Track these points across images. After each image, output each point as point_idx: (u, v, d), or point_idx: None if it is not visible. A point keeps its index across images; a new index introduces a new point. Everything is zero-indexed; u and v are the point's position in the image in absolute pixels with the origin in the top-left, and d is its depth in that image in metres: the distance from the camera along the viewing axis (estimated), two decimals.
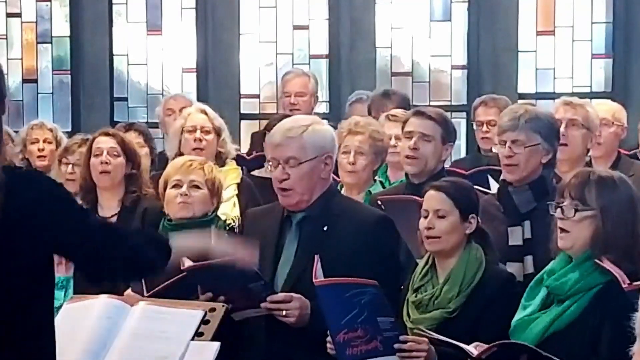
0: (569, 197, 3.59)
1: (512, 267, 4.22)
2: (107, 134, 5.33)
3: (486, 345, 3.50)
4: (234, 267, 3.83)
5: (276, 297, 3.85)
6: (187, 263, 4.07)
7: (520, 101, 7.39)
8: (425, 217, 3.93)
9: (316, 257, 3.74)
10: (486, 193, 4.67)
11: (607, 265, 3.49)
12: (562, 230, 3.60)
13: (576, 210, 3.56)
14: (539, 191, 4.31)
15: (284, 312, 3.84)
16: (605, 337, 3.43)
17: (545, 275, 3.67)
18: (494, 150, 5.99)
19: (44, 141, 6.69)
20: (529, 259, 4.25)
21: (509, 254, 4.28)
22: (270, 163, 4.09)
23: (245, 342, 4.06)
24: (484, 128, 6.69)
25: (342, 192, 5.06)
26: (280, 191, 4.02)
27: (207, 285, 3.97)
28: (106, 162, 5.20)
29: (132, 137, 6.10)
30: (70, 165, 5.68)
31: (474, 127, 6.84)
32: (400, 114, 5.59)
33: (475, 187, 4.23)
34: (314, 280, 3.66)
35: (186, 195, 4.49)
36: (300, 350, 3.89)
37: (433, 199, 3.94)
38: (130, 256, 3.07)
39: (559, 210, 3.60)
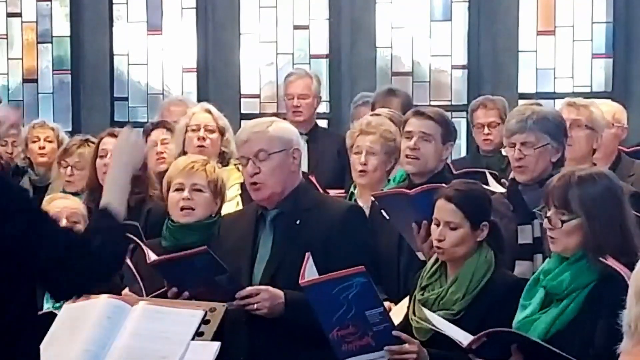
0: (554, 205, 3.60)
1: (522, 266, 4.24)
2: (113, 135, 5.35)
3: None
4: (199, 259, 3.88)
5: (243, 292, 3.91)
6: (153, 257, 4.11)
7: (524, 101, 7.38)
8: (437, 225, 3.93)
9: (307, 254, 3.78)
10: None
11: (612, 263, 3.49)
12: (552, 237, 3.62)
13: (563, 222, 3.58)
14: None
15: (255, 305, 3.88)
16: (601, 329, 3.44)
17: (541, 275, 3.68)
18: (503, 152, 5.99)
19: (45, 139, 6.70)
20: (539, 258, 4.25)
21: (519, 253, 4.29)
22: (240, 161, 4.15)
23: (227, 338, 4.07)
24: (485, 130, 6.69)
25: (355, 193, 5.07)
26: (252, 186, 4.09)
27: (172, 279, 4.01)
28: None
29: (160, 134, 6.10)
30: (69, 168, 5.68)
31: (473, 129, 6.84)
32: (385, 111, 5.62)
33: None
34: (300, 281, 3.71)
35: (189, 199, 4.48)
36: (282, 344, 3.93)
37: (444, 210, 3.93)
38: (93, 264, 3.02)
39: (546, 220, 3.62)
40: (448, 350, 3.68)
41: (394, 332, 3.69)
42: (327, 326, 3.67)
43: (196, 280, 3.93)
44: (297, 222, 4.05)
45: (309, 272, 3.76)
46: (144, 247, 4.29)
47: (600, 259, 3.53)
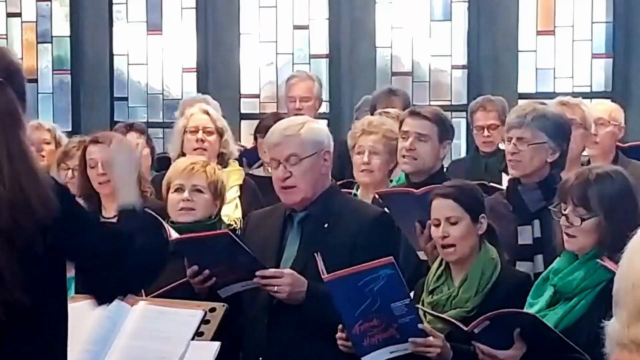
0: (572, 202, 3.59)
1: (522, 266, 4.23)
2: (97, 142, 5.25)
3: None
4: (220, 240, 3.89)
5: (267, 272, 3.88)
6: (174, 235, 4.10)
7: (524, 101, 7.39)
8: (437, 226, 3.92)
9: (317, 255, 3.75)
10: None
11: (609, 264, 3.50)
12: (569, 234, 3.62)
13: (582, 220, 3.57)
14: (548, 190, 4.28)
15: (275, 288, 3.87)
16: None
17: (551, 274, 3.68)
18: (500, 147, 5.99)
19: (43, 142, 6.68)
20: (539, 258, 4.25)
21: (519, 253, 4.29)
22: (270, 164, 4.11)
23: (247, 341, 4.07)
24: (485, 132, 6.67)
25: (359, 192, 5.07)
26: (283, 190, 4.04)
27: (192, 257, 4.01)
28: (103, 174, 5.19)
29: (133, 138, 6.09)
30: (70, 170, 5.66)
31: (473, 131, 6.83)
32: (393, 111, 5.61)
33: None
34: (322, 277, 3.67)
35: (188, 200, 4.44)
36: (301, 345, 3.91)
37: (442, 207, 3.93)
38: (140, 263, 2.99)
39: (563, 218, 3.61)
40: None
41: (420, 325, 3.65)
42: (349, 321, 3.63)
43: (217, 259, 3.93)
44: (325, 225, 4.00)
45: (323, 271, 3.75)
46: (165, 225, 4.30)
47: (598, 260, 3.54)
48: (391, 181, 5.14)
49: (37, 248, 2.82)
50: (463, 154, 8.78)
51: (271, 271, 3.88)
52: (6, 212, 2.79)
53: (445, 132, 4.80)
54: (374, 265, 3.62)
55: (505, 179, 4.97)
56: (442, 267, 3.98)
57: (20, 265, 2.80)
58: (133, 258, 2.97)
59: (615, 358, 1.99)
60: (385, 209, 4.33)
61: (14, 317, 2.83)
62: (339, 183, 5.38)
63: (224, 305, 3.88)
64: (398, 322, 3.63)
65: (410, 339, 3.64)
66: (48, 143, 6.68)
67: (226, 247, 3.91)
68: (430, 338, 3.65)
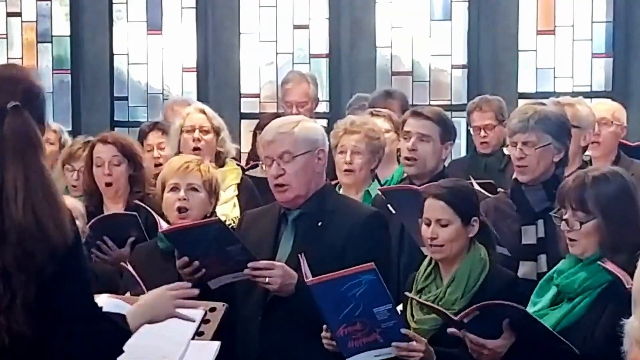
0: (570, 207, 3.61)
1: (525, 266, 4.25)
2: (105, 142, 5.30)
3: None
4: (211, 229, 3.90)
5: (258, 264, 3.89)
6: (164, 226, 4.11)
7: (524, 101, 7.40)
8: (428, 225, 3.93)
9: (301, 257, 3.76)
10: None
11: (610, 266, 3.51)
12: (571, 239, 3.62)
13: (581, 224, 3.58)
14: (552, 190, 4.28)
15: (267, 279, 3.87)
16: (603, 328, 3.46)
17: (555, 274, 3.69)
18: (505, 151, 5.99)
19: (46, 142, 6.66)
20: (542, 258, 4.27)
21: (523, 253, 4.30)
22: (264, 162, 4.12)
23: (240, 339, 4.07)
24: (482, 133, 6.67)
25: (340, 192, 5.06)
26: (277, 187, 4.06)
27: (183, 249, 4.02)
28: (109, 174, 5.20)
29: (155, 137, 6.09)
30: (75, 172, 5.66)
31: (471, 131, 6.83)
32: (384, 111, 5.63)
33: None
34: (305, 280, 3.68)
35: (185, 199, 4.45)
36: (294, 345, 3.92)
37: (433, 208, 3.93)
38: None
39: (564, 223, 3.62)
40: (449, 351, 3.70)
41: (403, 330, 3.67)
42: (333, 325, 3.66)
43: (207, 249, 3.94)
44: (319, 223, 4.03)
45: (306, 274, 3.76)
46: (156, 216, 4.34)
47: (599, 262, 3.54)
48: (373, 181, 5.15)
49: (46, 273, 2.77)
50: (463, 154, 8.77)
51: (263, 263, 3.90)
52: (15, 238, 2.74)
53: (448, 133, 4.80)
54: (355, 270, 3.64)
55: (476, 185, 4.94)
56: (431, 266, 3.98)
57: (33, 293, 2.76)
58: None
59: (634, 356, 1.98)
60: (380, 209, 4.34)
61: (18, 345, 2.80)
62: (333, 182, 5.41)
63: (224, 305, 3.88)
64: (381, 326, 3.65)
65: (393, 343, 3.66)
66: (52, 143, 6.67)
67: (217, 236, 3.92)
68: (413, 342, 3.67)
